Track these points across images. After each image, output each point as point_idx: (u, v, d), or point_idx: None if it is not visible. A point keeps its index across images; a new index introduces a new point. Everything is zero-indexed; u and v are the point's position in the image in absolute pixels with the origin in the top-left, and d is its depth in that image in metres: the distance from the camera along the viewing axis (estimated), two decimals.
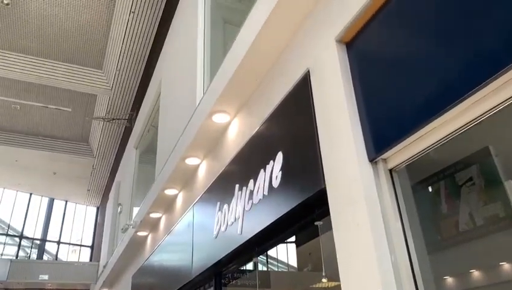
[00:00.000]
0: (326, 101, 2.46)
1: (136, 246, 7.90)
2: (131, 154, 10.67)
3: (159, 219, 6.60)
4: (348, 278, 1.99)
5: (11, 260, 14.98)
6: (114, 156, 15.69)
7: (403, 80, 1.94)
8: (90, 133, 15.66)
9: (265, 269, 7.09)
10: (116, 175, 13.84)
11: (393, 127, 1.96)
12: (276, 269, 7.86)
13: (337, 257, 2.07)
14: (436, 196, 2.08)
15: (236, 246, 3.44)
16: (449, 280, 1.96)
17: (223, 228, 3.70)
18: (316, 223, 2.89)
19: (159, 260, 6.14)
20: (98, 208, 21.13)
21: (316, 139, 2.46)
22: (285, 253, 8.06)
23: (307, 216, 2.83)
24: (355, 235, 1.97)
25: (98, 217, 20.51)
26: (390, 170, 2.04)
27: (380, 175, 2.05)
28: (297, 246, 3.89)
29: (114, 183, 14.24)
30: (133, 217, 7.46)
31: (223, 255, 3.66)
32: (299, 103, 2.77)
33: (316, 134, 2.47)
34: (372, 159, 2.07)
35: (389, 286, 1.77)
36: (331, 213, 2.21)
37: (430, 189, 2.12)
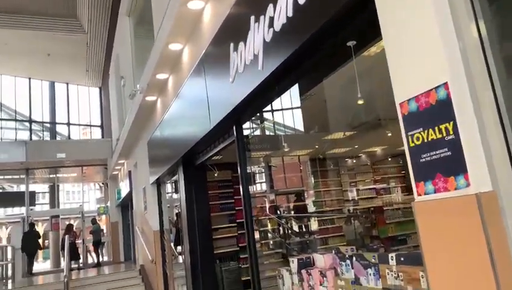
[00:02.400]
0: None
1: (146, 112, 7.83)
2: (124, 23, 9.94)
3: (167, 80, 6.34)
4: (401, 65, 1.75)
5: (25, 142, 15.36)
6: (107, 31, 14.78)
7: None
8: (76, 7, 14.50)
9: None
10: (113, 49, 13.21)
11: None
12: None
13: (387, 52, 1.81)
14: None
15: (256, 85, 3.20)
16: None
17: (240, 69, 3.42)
18: (348, 43, 2.58)
19: (174, 119, 6.06)
20: (100, 89, 20.92)
21: None
22: (292, 119, 7.97)
23: (337, 36, 2.50)
24: (411, 14, 1.67)
25: (102, 97, 20.43)
26: None
27: None
28: (320, 79, 3.60)
29: (112, 57, 13.71)
30: (139, 83, 7.21)
31: (242, 97, 3.46)
32: None
33: None
34: None
35: (457, 77, 1.52)
36: None
37: None
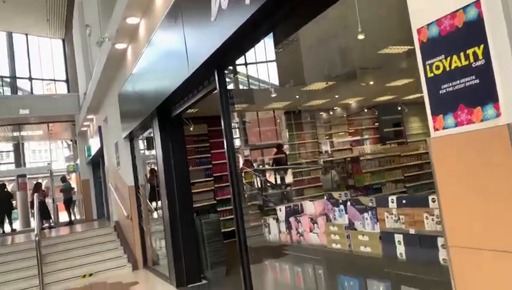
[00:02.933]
0: None
1: (115, 62, 7.34)
2: None
3: (138, 24, 5.88)
4: None
5: None
6: None
7: None
8: None
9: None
10: None
11: None
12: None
13: None
14: None
15: (242, 23, 2.93)
16: None
17: (224, 4, 3.11)
18: None
19: (147, 67, 5.69)
20: (63, 41, 19.62)
21: None
22: (266, 73, 7.66)
23: None
24: None
25: (66, 49, 19.22)
26: None
27: None
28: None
29: (76, 4, 12.74)
30: (107, 30, 6.67)
31: (225, 38, 3.18)
32: None
33: None
34: None
35: None
36: None
37: None
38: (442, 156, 1.54)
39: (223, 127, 3.83)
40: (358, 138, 11.44)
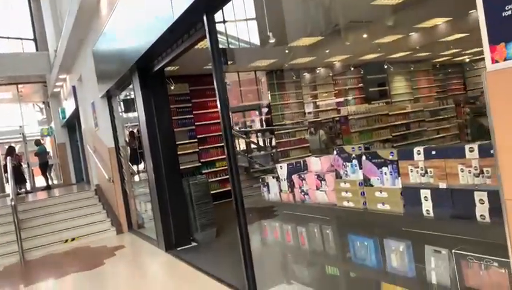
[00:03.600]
0: None
1: (88, 13, 6.73)
2: None
3: None
4: None
5: None
6: None
7: None
8: None
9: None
10: None
11: None
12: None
13: None
14: None
15: None
16: None
17: None
18: None
19: (125, 16, 5.18)
20: None
21: None
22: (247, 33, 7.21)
23: None
24: None
25: (32, 5, 17.89)
26: None
27: None
28: None
29: None
30: None
31: None
32: None
33: None
34: None
35: None
36: None
37: None
38: (502, 95, 1.29)
39: (215, 81, 3.45)
40: (342, 99, 11.24)
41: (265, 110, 10.44)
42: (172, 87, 8.98)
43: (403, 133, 9.24)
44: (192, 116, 9.52)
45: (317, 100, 11.06)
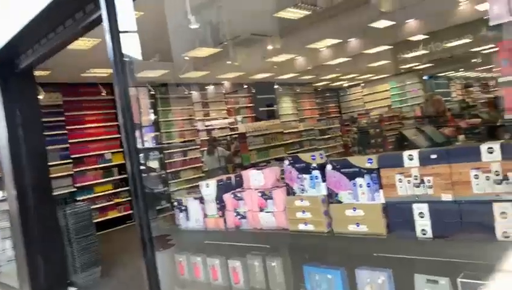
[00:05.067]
0: None
1: None
2: None
3: None
4: None
5: None
6: None
7: None
8: None
9: None
10: None
11: None
12: None
13: None
14: None
15: None
16: None
17: None
18: None
19: None
20: None
21: None
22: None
23: None
24: None
25: None
26: None
27: None
28: None
29: None
30: None
31: None
32: None
33: None
34: None
35: None
36: None
37: None
38: None
39: (116, 87, 2.55)
40: (233, 119, 10.99)
41: (148, 129, 9.52)
42: (41, 96, 7.49)
43: (295, 151, 9.31)
44: (65, 131, 8.11)
45: (209, 118, 10.60)
